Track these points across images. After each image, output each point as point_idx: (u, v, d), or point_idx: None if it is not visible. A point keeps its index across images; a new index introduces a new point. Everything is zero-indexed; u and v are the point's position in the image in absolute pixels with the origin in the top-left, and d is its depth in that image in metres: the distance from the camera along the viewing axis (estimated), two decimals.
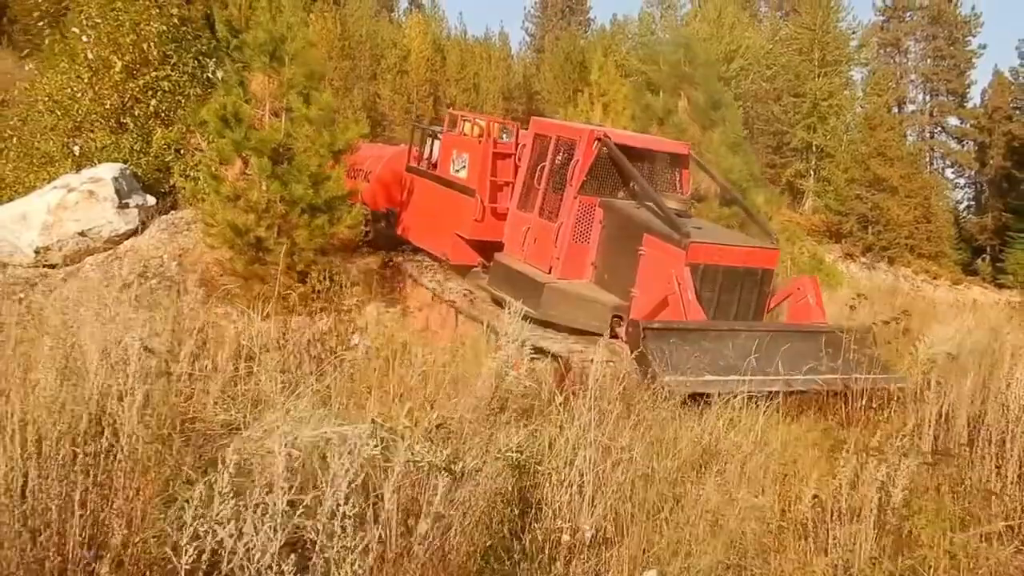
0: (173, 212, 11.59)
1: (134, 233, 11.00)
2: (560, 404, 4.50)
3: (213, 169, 9.48)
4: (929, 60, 47.24)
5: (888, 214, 34.24)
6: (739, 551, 4.22)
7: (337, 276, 9.15)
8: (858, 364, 6.75)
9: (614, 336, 7.93)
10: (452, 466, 3.58)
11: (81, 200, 10.80)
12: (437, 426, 4.00)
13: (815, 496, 4.02)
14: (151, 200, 11.52)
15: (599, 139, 8.82)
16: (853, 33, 44.30)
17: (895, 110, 46.31)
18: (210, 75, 12.84)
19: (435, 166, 11.01)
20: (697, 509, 4.39)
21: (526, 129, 10.17)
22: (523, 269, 9.03)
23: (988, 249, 43.38)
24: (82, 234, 10.69)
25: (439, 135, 11.19)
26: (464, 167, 10.17)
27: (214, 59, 12.88)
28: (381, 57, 41.50)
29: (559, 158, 9.13)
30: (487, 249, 10.05)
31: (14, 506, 2.79)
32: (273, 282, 9.31)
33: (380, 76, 40.44)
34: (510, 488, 4.06)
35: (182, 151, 12.46)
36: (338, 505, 2.48)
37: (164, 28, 12.57)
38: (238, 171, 9.58)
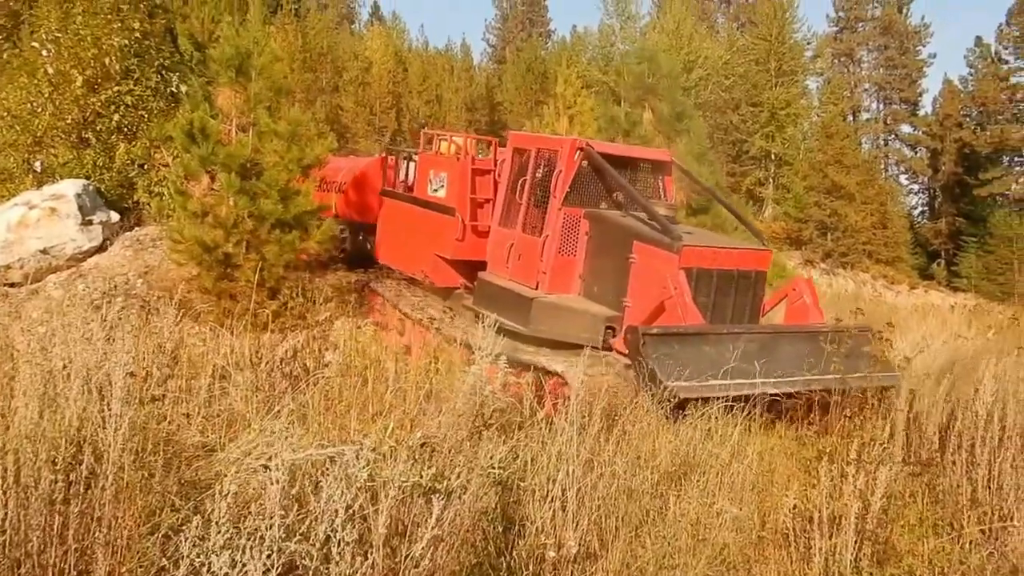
0: (138, 228, 11.43)
1: (98, 250, 10.82)
2: (542, 419, 4.51)
3: (180, 185, 9.35)
4: (882, 69, 48.32)
5: (846, 220, 34.87)
6: (722, 563, 4.26)
7: (309, 292, 9.08)
8: (861, 363, 6.72)
9: (607, 348, 7.78)
10: (436, 485, 3.59)
11: (43, 217, 10.60)
12: (421, 444, 3.99)
13: (794, 506, 4.07)
14: (115, 216, 11.35)
15: (581, 149, 8.68)
16: (808, 43, 45.16)
17: (850, 118, 47.22)
18: (174, 89, 12.70)
19: (411, 188, 10.81)
20: (679, 522, 4.44)
21: (503, 146, 9.95)
22: (509, 286, 8.82)
23: (942, 253, 44.39)
24: (44, 252, 10.50)
25: (414, 157, 10.99)
26: (442, 186, 9.96)
27: (177, 73, 12.75)
28: (343, 69, 41.36)
29: (540, 171, 8.94)
30: (470, 269, 9.80)
31: None
32: (242, 299, 9.24)
33: (342, 88, 40.29)
34: (493, 505, 4.06)
35: (146, 166, 12.29)
36: (334, 531, 2.47)
37: (126, 42, 12.42)
38: (205, 187, 9.48)
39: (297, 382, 6.38)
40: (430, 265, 10.00)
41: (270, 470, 2.66)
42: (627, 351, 6.91)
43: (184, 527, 2.51)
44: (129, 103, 12.47)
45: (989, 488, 4.91)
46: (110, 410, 2.77)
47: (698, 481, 4.68)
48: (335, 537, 2.45)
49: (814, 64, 45.09)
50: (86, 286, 9.38)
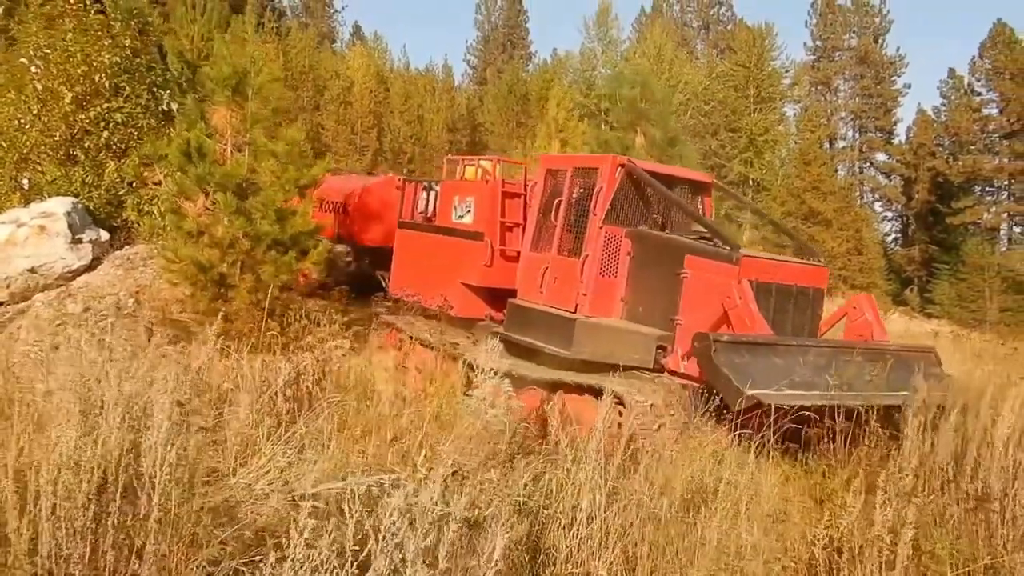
0: (128, 247, 11.28)
1: (87, 269, 10.66)
2: (566, 445, 4.49)
3: (174, 204, 9.24)
4: (858, 98, 49.14)
5: (823, 246, 35.27)
6: None
7: (309, 314, 8.98)
8: (932, 382, 6.48)
9: (658, 369, 7.53)
10: (474, 516, 3.55)
11: (31, 235, 10.43)
12: (453, 473, 3.95)
13: (824, 535, 4.06)
14: (104, 235, 11.19)
15: (622, 165, 8.39)
16: (786, 71, 45.94)
17: (826, 146, 47.89)
18: (164, 107, 12.59)
19: (432, 218, 10.55)
20: (703, 548, 4.41)
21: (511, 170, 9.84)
22: (546, 309, 8.47)
23: (915, 280, 45.01)
24: (32, 271, 10.31)
25: (435, 187, 10.77)
26: (469, 212, 9.66)
27: (168, 91, 12.64)
28: (324, 88, 41.36)
29: (577, 190, 8.67)
30: (495, 300, 9.47)
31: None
32: (238, 320, 9.14)
33: (323, 107, 40.27)
34: (522, 534, 4.03)
35: (135, 184, 12.15)
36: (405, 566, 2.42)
37: (117, 59, 12.30)
38: (200, 206, 9.37)
39: (304, 406, 6.31)
40: (454, 295, 9.61)
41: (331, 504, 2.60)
42: (696, 358, 6.64)
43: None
44: (119, 120, 12.33)
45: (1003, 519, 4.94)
46: (157, 438, 2.70)
47: (719, 509, 4.66)
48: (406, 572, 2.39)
49: (792, 92, 45.85)
50: (85, 306, 9.22)
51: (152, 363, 3.71)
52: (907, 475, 4.20)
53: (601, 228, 8.18)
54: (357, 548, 2.69)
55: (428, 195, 10.80)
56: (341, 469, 4.63)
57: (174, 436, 2.77)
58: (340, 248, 12.30)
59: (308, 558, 2.23)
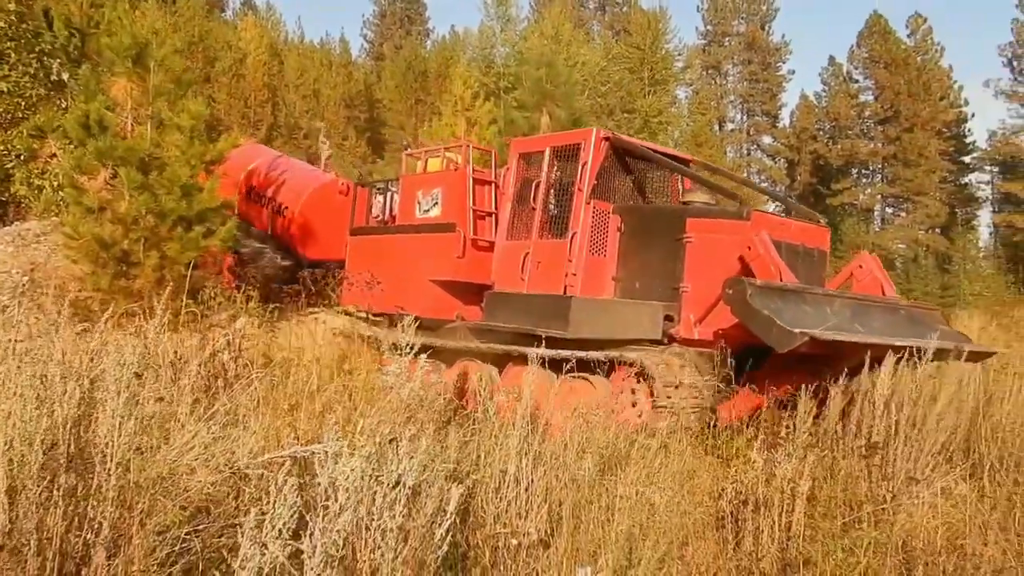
0: (18, 223, 10.80)
1: None
2: (492, 415, 4.70)
3: (73, 179, 8.94)
4: (745, 83, 50.94)
5: None
6: (658, 544, 4.56)
7: (218, 291, 8.86)
8: (948, 333, 6.69)
9: (668, 340, 7.31)
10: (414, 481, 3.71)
11: None
12: (390, 440, 4.09)
13: (733, 489, 4.43)
14: None
15: (607, 139, 8.10)
16: (679, 55, 47.15)
17: (716, 128, 49.55)
18: (55, 77, 12.05)
19: (391, 219, 10.09)
20: (616, 507, 4.72)
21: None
22: (535, 293, 8.06)
23: None
24: None
25: (390, 187, 10.33)
26: (436, 204, 9.17)
27: (58, 60, 12.11)
28: (215, 59, 40.00)
29: (557, 170, 8.34)
30: (466, 298, 9.00)
31: None
32: (143, 298, 8.95)
33: (215, 79, 38.93)
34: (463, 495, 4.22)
35: (23, 157, 11.62)
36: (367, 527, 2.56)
37: (2, 25, 11.69)
38: (101, 181, 9.10)
39: (223, 383, 6.31)
40: (420, 297, 9.01)
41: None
42: (731, 304, 6.32)
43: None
44: (5, 90, 11.75)
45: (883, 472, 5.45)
46: (116, 407, 2.75)
47: (633, 471, 4.97)
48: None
49: (684, 75, 47.08)
50: None
51: (102, 338, 3.70)
52: (803, 433, 4.59)
53: (588, 204, 7.85)
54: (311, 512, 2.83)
55: (385, 197, 10.37)
56: (273, 442, 4.71)
57: (132, 406, 2.83)
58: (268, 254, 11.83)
59: (279, 518, 2.35)
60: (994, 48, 63.68)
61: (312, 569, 2.36)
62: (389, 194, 10.25)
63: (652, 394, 6.68)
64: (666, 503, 4.70)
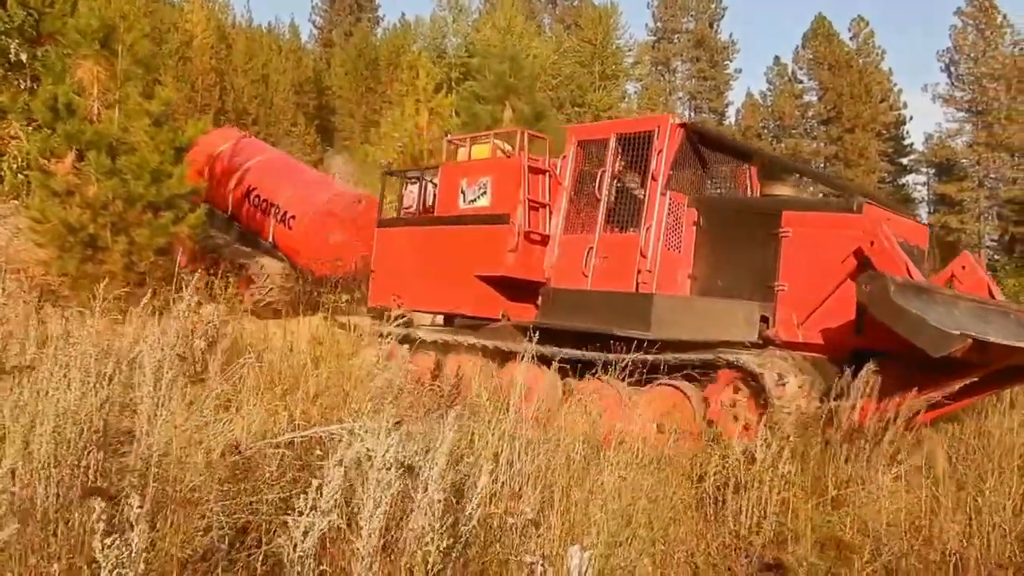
0: None
1: None
2: (486, 400, 4.90)
3: (39, 162, 8.84)
4: (694, 80, 51.76)
5: None
6: (645, 524, 4.82)
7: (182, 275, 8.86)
8: None
9: (764, 343, 6.69)
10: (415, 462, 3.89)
11: None
12: (396, 424, 4.26)
13: (715, 472, 4.70)
14: None
15: (683, 125, 7.54)
16: (629, 50, 47.74)
17: None
18: (13, 57, 11.80)
19: (428, 209, 9.37)
20: (602, 489, 4.96)
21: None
22: (606, 290, 7.45)
23: None
24: None
25: (426, 176, 9.60)
26: (484, 193, 8.47)
27: (16, 40, 11.86)
28: (161, 41, 39.15)
29: (625, 159, 7.74)
30: (514, 295, 8.36)
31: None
32: (112, 283, 8.90)
33: (160, 62, 38.08)
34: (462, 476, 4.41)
35: None
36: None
37: None
38: (69, 165, 9.01)
39: (202, 367, 6.37)
40: (464, 294, 8.49)
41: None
42: (870, 302, 5.69)
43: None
44: None
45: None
46: (163, 389, 2.88)
47: (620, 454, 5.21)
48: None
49: (634, 70, 47.68)
50: None
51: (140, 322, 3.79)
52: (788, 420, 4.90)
53: (664, 196, 7.28)
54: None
55: (419, 186, 9.59)
56: (270, 425, 4.82)
57: (171, 387, 2.96)
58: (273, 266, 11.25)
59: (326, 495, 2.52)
60: (933, 53, 65.70)
61: (370, 532, 2.53)
62: (423, 183, 9.52)
63: (757, 404, 5.99)
64: (650, 486, 4.96)
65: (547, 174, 8.26)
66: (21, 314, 6.34)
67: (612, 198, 7.70)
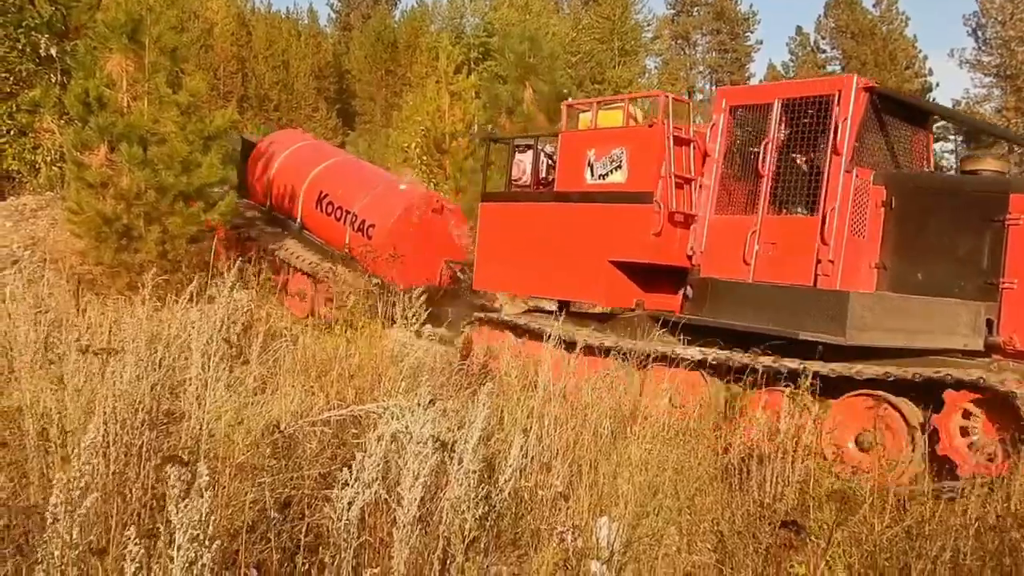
0: (13, 198, 10.89)
1: None
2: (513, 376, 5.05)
3: (76, 155, 9.07)
4: (714, 53, 51.31)
5: None
6: (671, 495, 4.97)
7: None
8: None
9: (990, 352, 5.87)
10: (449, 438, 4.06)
11: None
12: (430, 402, 4.43)
13: (740, 443, 4.84)
14: None
15: (870, 89, 6.50)
16: (648, 25, 47.43)
17: (685, 98, 49.91)
18: (43, 52, 12.05)
19: (545, 182, 8.39)
20: (630, 462, 5.11)
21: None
22: (785, 284, 6.44)
23: None
24: None
25: (539, 144, 8.58)
26: (618, 167, 7.43)
27: (45, 35, 12.10)
28: (183, 30, 39.43)
29: (792, 128, 6.76)
30: (648, 283, 7.61)
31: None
32: (141, 272, 9.16)
33: (186, 52, 38.37)
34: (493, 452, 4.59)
35: (12, 132, 11.66)
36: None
37: None
38: (102, 157, 9.23)
39: (239, 352, 6.59)
40: (589, 281, 7.65)
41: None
42: None
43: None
44: None
45: None
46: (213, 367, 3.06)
47: (647, 427, 5.36)
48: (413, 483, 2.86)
49: (653, 45, 47.36)
50: None
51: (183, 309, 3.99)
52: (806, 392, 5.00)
53: (850, 173, 6.32)
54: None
55: (532, 155, 8.51)
56: (307, 405, 5.02)
57: (221, 366, 3.14)
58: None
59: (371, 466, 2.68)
60: (958, 17, 64.62)
61: (410, 502, 2.70)
62: (536, 152, 8.51)
63: (998, 431, 5.14)
64: (676, 458, 5.10)
65: (691, 144, 7.31)
66: (64, 303, 6.58)
67: (777, 173, 6.75)
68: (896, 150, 7.03)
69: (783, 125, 6.77)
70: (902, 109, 7.03)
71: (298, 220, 11.70)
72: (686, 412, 5.77)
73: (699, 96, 52.13)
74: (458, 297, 10.82)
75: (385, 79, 43.92)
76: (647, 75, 47.86)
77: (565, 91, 14.07)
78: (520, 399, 4.98)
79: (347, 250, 10.75)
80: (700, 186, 7.26)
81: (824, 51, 47.13)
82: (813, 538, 3.43)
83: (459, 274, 10.73)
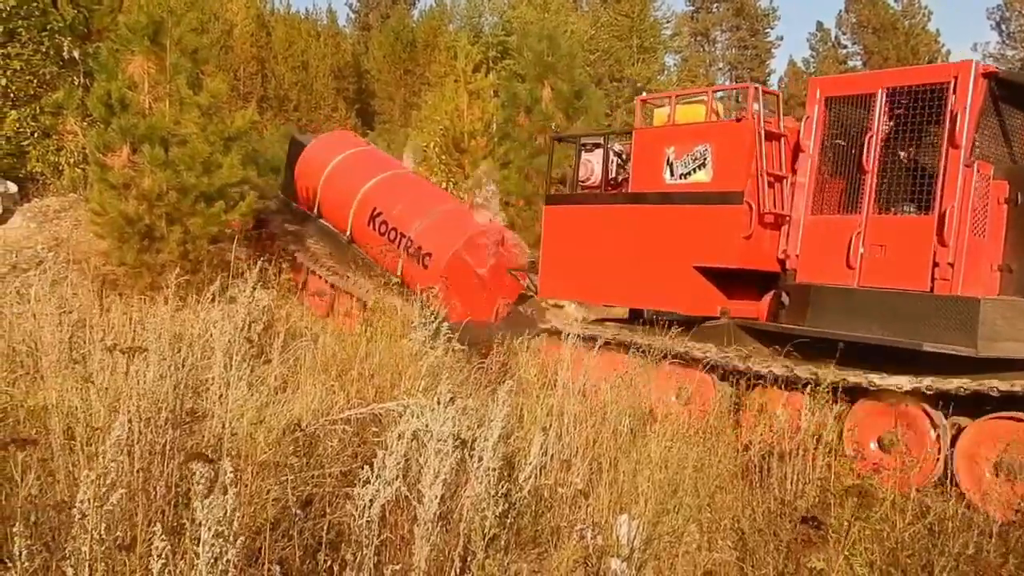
0: (37, 199, 11.02)
1: None
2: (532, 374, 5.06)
3: (97, 157, 9.17)
4: (734, 49, 51.01)
5: None
6: (691, 493, 4.96)
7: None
8: None
9: None
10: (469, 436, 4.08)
11: None
12: (450, 399, 4.45)
13: (761, 440, 4.82)
14: (12, 187, 10.90)
15: (990, 75, 5.97)
16: (667, 22, 47.22)
17: None
18: (65, 54, 12.19)
19: (617, 183, 8.00)
20: (649, 460, 5.11)
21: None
22: (901, 290, 5.99)
23: None
24: None
25: (608, 142, 8.14)
26: (703, 165, 6.99)
27: (68, 38, 12.24)
28: (203, 31, 39.72)
29: (903, 119, 6.27)
30: (729, 288, 7.16)
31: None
32: (163, 272, 9.25)
33: (207, 54, 38.65)
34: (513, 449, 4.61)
35: (36, 134, 11.80)
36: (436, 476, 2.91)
37: (12, 3, 11.80)
38: (125, 158, 9.33)
39: (259, 352, 6.65)
40: (669, 288, 7.20)
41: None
42: None
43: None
44: (17, 67, 11.89)
45: None
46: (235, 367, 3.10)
47: (667, 426, 5.36)
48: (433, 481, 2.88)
49: (673, 42, 47.16)
50: (11, 264, 9.08)
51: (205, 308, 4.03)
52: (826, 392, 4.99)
53: (969, 167, 5.87)
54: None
55: (601, 155, 8.08)
56: (328, 404, 5.05)
57: (243, 365, 3.17)
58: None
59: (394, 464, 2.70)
60: (982, 11, 63.93)
61: (430, 499, 2.71)
62: (604, 152, 8.05)
63: None
64: (696, 457, 5.09)
65: (782, 140, 6.96)
66: (88, 304, 6.67)
67: (883, 169, 6.34)
68: (1015, 141, 6.51)
69: (888, 116, 6.35)
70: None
71: (347, 233, 10.94)
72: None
73: (719, 93, 51.91)
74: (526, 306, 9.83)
75: (404, 79, 44.01)
76: (666, 72, 47.70)
77: (586, 89, 14.03)
78: (540, 396, 4.99)
79: (399, 277, 9.99)
80: (793, 185, 6.84)
81: (845, 46, 46.82)
82: (832, 534, 3.42)
83: (521, 281, 9.81)
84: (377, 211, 10.41)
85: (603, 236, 7.76)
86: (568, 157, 9.42)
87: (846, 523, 3.18)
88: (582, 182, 8.23)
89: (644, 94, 9.34)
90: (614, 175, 8.03)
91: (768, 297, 6.98)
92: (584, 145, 8.33)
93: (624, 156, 7.96)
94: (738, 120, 6.91)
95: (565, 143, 9.58)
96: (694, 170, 7.06)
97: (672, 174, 7.22)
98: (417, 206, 10.45)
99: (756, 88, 6.87)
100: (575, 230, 8.07)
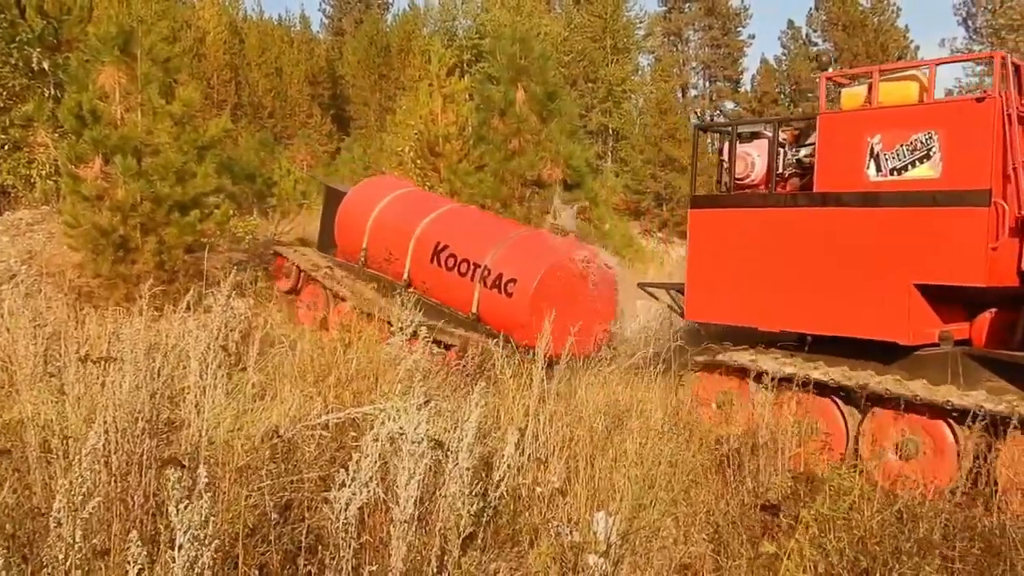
0: (9, 213, 10.94)
1: None
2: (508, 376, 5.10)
3: (71, 168, 9.13)
4: (707, 48, 51.36)
5: (680, 192, 37.20)
6: (667, 488, 5.03)
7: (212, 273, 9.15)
8: None
9: None
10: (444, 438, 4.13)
11: None
12: (424, 403, 4.49)
13: (720, 439, 4.91)
14: None
15: None
16: (640, 22, 47.50)
17: (679, 95, 50.00)
18: (35, 66, 12.10)
19: (788, 180, 6.88)
20: (625, 457, 5.17)
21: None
22: None
23: None
24: None
25: (778, 131, 6.89)
26: (926, 156, 5.75)
27: (38, 49, 12.15)
28: (175, 40, 39.46)
29: None
30: (949, 309, 6.05)
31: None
32: (138, 283, 9.22)
33: (178, 63, 38.40)
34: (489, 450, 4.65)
35: (7, 147, 11.71)
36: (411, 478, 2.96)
37: None
38: (97, 170, 9.29)
39: (236, 360, 6.66)
40: (874, 309, 5.94)
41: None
42: None
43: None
44: None
45: None
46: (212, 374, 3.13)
47: (639, 421, 5.43)
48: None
49: (646, 42, 47.47)
50: None
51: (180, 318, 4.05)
52: None
53: None
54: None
55: (760, 146, 7.00)
56: (306, 410, 5.08)
57: (220, 373, 3.20)
58: None
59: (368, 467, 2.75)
60: (949, 7, 64.76)
61: (406, 500, 2.76)
62: (772, 142, 6.88)
63: None
64: (671, 451, 5.17)
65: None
66: (62, 316, 6.64)
67: None
68: None
69: None
70: None
71: (404, 277, 9.73)
72: None
73: (693, 92, 52.30)
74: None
75: (379, 83, 43.93)
76: (640, 72, 47.99)
77: (559, 91, 14.12)
78: (516, 397, 5.04)
79: (473, 314, 9.00)
80: None
81: (816, 44, 47.28)
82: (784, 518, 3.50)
83: (658, 299, 8.61)
84: (442, 245, 9.41)
85: (773, 245, 6.57)
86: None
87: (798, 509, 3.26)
88: (740, 179, 6.98)
89: (829, 70, 7.45)
90: (781, 170, 6.86)
91: (987, 317, 5.94)
92: (740, 135, 7.16)
93: (790, 148, 6.89)
94: (979, 100, 5.64)
95: (713, 132, 8.37)
96: (913, 163, 5.85)
97: (879, 169, 6.01)
98: (488, 234, 9.51)
99: (1003, 58, 5.61)
100: (732, 238, 6.89)
